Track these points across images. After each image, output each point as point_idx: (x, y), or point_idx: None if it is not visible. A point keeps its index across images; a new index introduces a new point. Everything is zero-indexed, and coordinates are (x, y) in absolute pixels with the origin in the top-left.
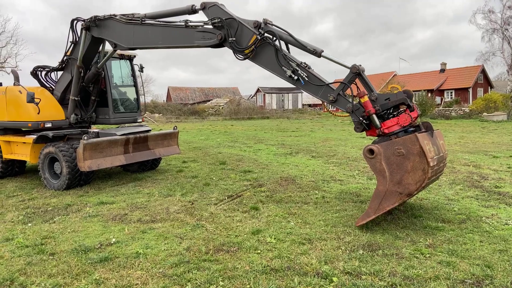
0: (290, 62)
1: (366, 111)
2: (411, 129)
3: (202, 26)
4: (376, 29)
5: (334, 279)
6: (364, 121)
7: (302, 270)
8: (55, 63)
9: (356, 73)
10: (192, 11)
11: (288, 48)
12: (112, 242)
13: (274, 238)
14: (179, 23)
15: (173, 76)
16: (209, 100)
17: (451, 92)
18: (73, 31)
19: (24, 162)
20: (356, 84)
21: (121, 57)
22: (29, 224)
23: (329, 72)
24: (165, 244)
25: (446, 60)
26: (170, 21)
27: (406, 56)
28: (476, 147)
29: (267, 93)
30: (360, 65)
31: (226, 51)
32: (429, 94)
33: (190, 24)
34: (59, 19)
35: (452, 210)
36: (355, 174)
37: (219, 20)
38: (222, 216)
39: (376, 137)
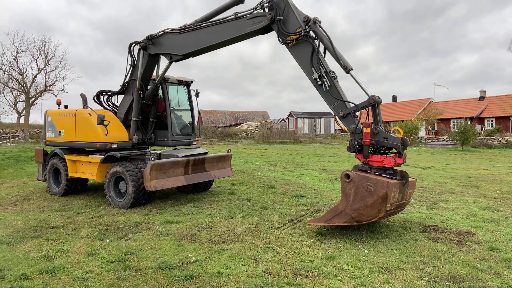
0: (320, 66)
1: (363, 139)
2: (389, 171)
3: (251, 12)
4: (420, 53)
5: None
6: (357, 146)
7: None
8: (99, 86)
9: (372, 104)
10: (240, 0)
11: (324, 53)
12: (192, 261)
13: (351, 266)
14: (229, 17)
15: (205, 99)
16: (239, 124)
17: (492, 121)
18: (131, 54)
19: (86, 180)
20: (367, 112)
21: (180, 82)
22: (107, 240)
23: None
24: (242, 265)
25: (490, 86)
26: (220, 18)
27: (446, 82)
28: None
29: (299, 117)
30: (378, 97)
31: (260, 74)
32: (469, 122)
33: (240, 14)
34: (103, 42)
35: None
36: (412, 202)
37: (269, 0)
38: (289, 240)
39: (361, 163)
